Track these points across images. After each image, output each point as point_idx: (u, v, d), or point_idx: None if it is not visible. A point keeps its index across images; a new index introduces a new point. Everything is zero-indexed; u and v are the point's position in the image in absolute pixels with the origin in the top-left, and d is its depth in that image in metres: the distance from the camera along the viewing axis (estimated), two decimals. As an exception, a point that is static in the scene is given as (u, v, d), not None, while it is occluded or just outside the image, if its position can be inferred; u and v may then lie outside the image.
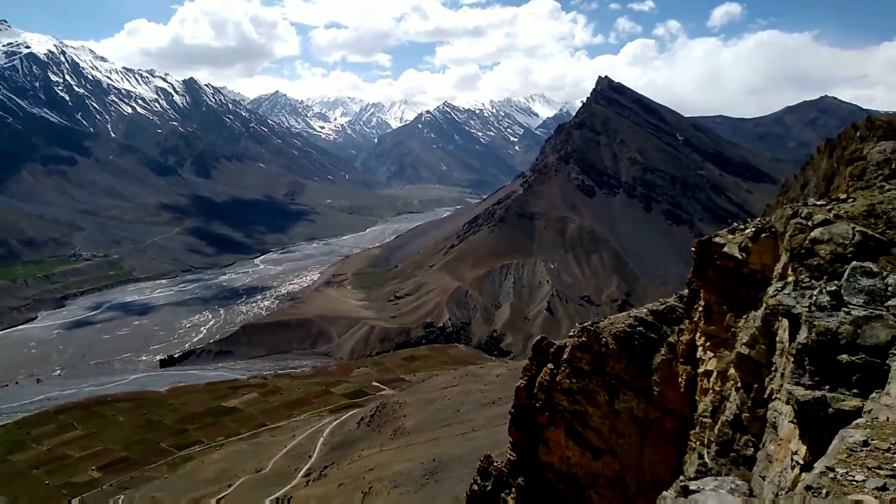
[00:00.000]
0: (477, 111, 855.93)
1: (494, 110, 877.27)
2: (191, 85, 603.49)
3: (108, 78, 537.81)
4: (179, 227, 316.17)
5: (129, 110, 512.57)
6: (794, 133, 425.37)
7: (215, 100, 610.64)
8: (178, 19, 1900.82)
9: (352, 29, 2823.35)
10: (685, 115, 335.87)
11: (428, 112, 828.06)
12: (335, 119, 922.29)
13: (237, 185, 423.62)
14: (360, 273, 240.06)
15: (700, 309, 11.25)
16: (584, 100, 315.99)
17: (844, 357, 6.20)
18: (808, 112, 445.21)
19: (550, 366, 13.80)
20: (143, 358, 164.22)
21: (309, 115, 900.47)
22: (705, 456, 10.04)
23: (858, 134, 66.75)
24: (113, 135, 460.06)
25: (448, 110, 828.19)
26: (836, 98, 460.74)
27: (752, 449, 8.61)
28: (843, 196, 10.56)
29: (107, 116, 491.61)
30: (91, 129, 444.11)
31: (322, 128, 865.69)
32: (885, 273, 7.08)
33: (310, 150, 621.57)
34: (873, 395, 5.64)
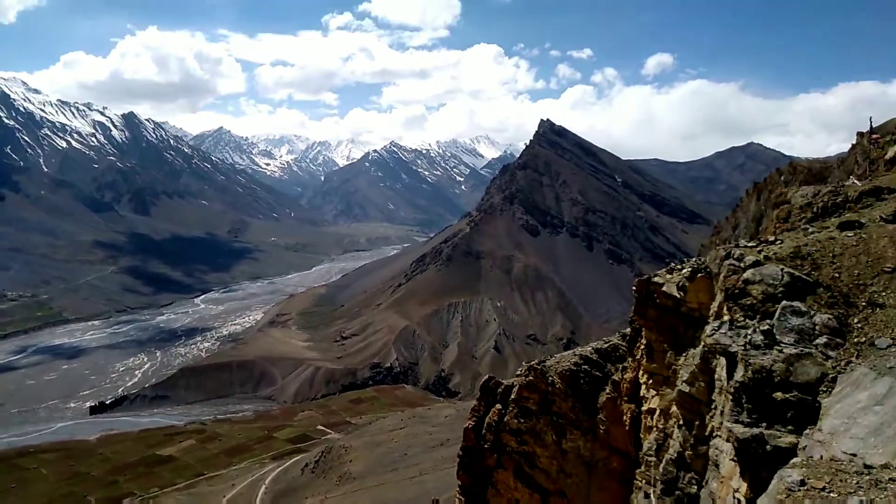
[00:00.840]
0: (424, 151, 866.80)
1: (441, 150, 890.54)
2: (130, 119, 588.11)
3: (42, 110, 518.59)
4: (115, 265, 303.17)
5: (64, 144, 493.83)
6: (724, 176, 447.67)
7: (156, 135, 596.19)
8: (119, 53, 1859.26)
9: (298, 67, 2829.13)
10: (623, 158, 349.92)
11: (375, 151, 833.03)
12: (281, 156, 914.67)
13: (177, 223, 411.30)
14: (305, 313, 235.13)
15: (642, 347, 11.51)
16: (528, 142, 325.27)
17: (779, 394, 6.43)
18: (737, 157, 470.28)
19: (498, 406, 13.75)
20: (72, 405, 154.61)
21: (254, 151, 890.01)
22: (651, 495, 10.13)
23: (782, 178, 70.89)
24: (46, 169, 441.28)
25: (395, 150, 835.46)
26: (760, 144, 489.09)
27: (696, 487, 8.75)
28: (772, 238, 11.15)
29: (39, 150, 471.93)
30: (21, 164, 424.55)
31: (267, 165, 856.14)
32: (812, 312, 7.46)
33: (254, 188, 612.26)
34: (807, 431, 5.85)
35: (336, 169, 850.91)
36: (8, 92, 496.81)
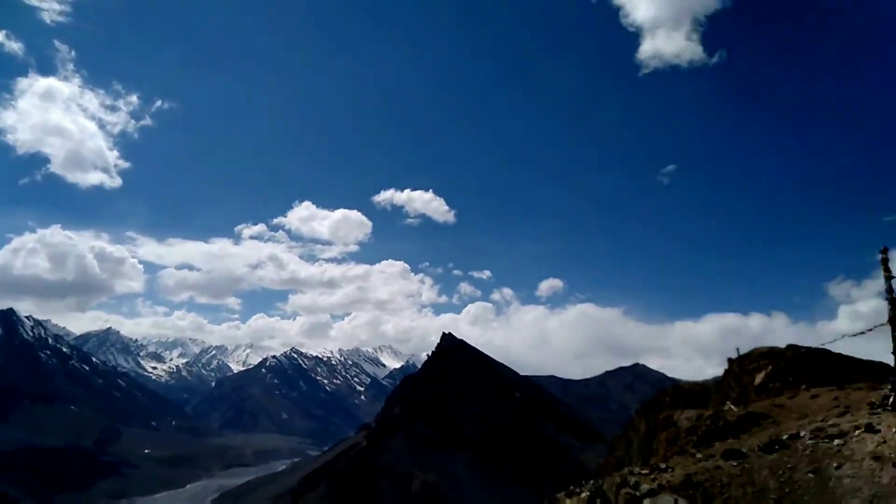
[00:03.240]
0: (325, 358, 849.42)
1: (343, 358, 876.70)
2: (8, 316, 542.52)
3: None
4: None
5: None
6: (615, 395, 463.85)
7: (34, 333, 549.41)
8: (12, 248, 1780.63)
9: (204, 272, 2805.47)
10: (522, 374, 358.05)
11: (274, 357, 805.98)
12: (171, 360, 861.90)
13: (37, 430, 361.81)
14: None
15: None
16: (430, 353, 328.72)
17: None
18: (625, 377, 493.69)
19: None
20: None
21: (142, 354, 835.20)
22: None
23: (668, 399, 74.46)
24: None
25: (295, 356, 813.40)
26: (646, 365, 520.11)
27: None
28: (664, 465, 11.45)
29: None
30: None
31: (154, 368, 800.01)
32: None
33: (135, 393, 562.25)
34: None
35: (230, 374, 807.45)
36: None
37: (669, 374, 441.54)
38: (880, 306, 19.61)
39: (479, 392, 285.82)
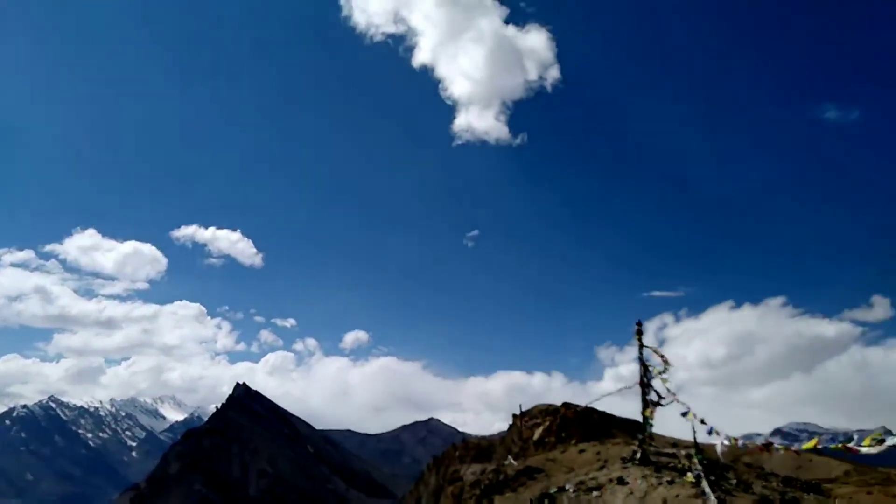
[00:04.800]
0: (91, 409, 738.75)
1: (114, 409, 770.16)
2: None
3: None
4: None
5: None
6: (409, 449, 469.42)
7: None
8: None
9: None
10: (317, 428, 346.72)
11: (25, 406, 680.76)
12: None
13: None
14: None
15: None
16: (220, 405, 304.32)
17: None
18: (419, 431, 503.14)
19: None
20: None
21: None
22: None
23: (457, 454, 77.29)
24: None
25: (53, 405, 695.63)
26: (439, 420, 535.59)
27: None
28: (445, 521, 11.85)
29: None
30: None
31: None
32: None
33: None
34: None
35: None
36: None
37: (461, 429, 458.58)
38: (636, 370, 22.70)
39: (270, 446, 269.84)
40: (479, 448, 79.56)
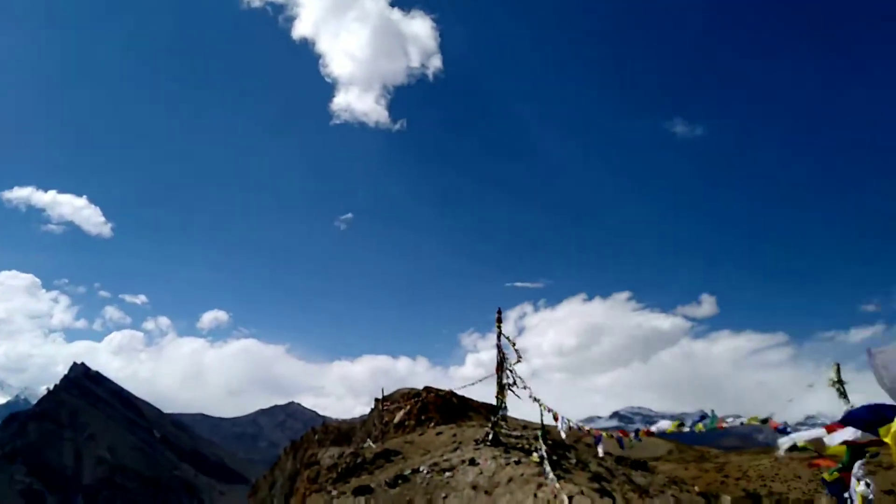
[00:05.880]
0: None
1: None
2: None
3: None
4: None
5: None
6: (266, 433, 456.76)
7: None
8: None
9: None
10: (166, 412, 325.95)
11: None
12: None
13: None
14: None
15: None
16: (52, 387, 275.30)
17: None
18: (278, 415, 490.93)
19: None
20: None
21: None
22: None
23: (316, 437, 76.55)
24: None
25: None
26: (300, 404, 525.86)
27: None
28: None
29: None
30: None
31: None
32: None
33: None
34: None
35: None
36: None
37: (322, 413, 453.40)
38: (496, 356, 23.81)
39: (109, 431, 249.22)
40: (340, 432, 79.25)
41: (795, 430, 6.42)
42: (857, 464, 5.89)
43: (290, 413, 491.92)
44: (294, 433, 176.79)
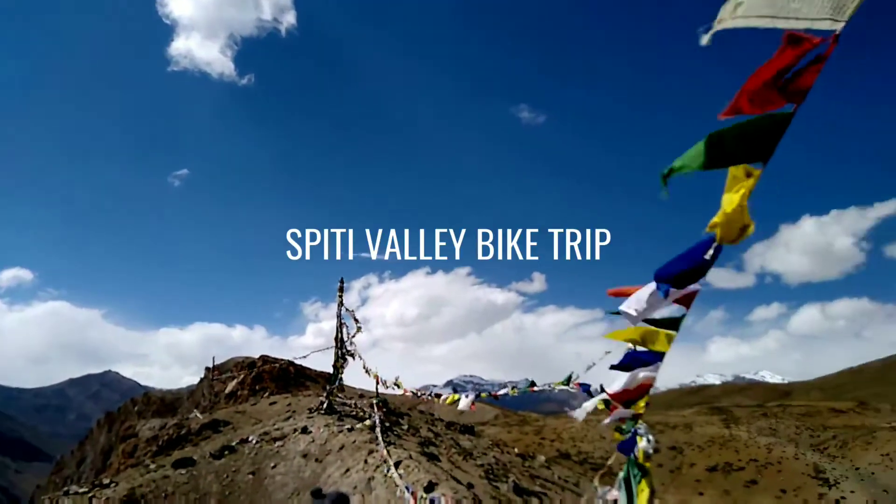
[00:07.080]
0: None
1: None
2: None
3: None
4: None
5: None
6: (76, 405, 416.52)
7: None
8: None
9: None
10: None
11: None
12: None
13: None
14: None
15: None
16: None
17: None
18: (92, 385, 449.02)
19: None
20: None
21: None
22: None
23: (136, 408, 71.25)
24: None
25: None
26: (118, 373, 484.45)
27: None
28: (107, 481, 10.81)
29: None
30: None
31: None
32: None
33: None
34: None
35: None
36: None
37: (144, 383, 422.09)
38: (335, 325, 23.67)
39: None
40: (164, 403, 74.30)
41: (597, 391, 7.26)
42: (642, 424, 6.80)
43: (107, 383, 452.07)
44: (110, 405, 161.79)
